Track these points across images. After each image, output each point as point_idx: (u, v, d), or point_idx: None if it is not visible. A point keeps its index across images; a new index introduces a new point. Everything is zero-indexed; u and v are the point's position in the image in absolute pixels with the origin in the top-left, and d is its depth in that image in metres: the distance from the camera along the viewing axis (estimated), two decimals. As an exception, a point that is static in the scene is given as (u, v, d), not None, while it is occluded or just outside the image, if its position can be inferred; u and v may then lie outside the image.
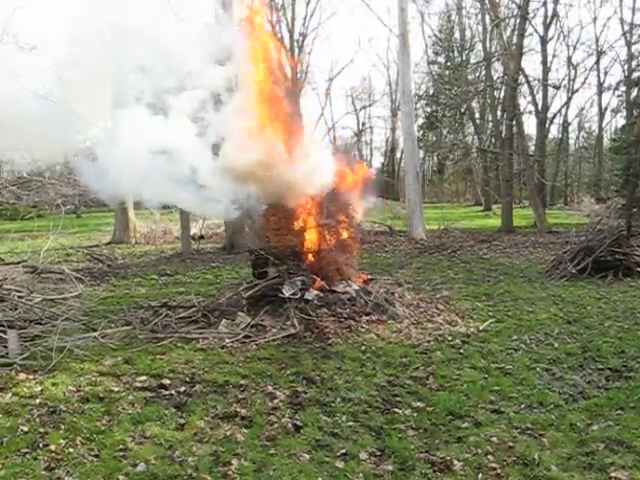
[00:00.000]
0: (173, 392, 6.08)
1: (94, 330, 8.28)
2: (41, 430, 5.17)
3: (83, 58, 8.56)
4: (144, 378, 6.47)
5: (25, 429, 5.18)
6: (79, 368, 6.77)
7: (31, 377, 6.49)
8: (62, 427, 5.22)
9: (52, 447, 4.85)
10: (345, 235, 9.91)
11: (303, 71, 45.60)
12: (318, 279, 9.26)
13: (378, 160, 65.54)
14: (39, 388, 6.16)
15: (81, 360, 7.05)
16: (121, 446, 4.88)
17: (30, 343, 7.56)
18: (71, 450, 4.81)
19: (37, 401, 5.81)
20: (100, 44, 8.36)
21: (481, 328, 8.67)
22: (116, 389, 6.17)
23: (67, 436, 5.05)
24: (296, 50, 42.77)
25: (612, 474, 4.51)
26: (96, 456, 4.74)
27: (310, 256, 9.54)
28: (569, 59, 41.67)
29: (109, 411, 5.59)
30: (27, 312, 8.68)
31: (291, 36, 42.52)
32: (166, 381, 6.33)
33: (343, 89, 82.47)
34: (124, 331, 8.41)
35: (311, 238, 9.63)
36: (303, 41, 43.95)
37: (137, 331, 8.39)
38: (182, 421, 5.41)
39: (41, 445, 4.89)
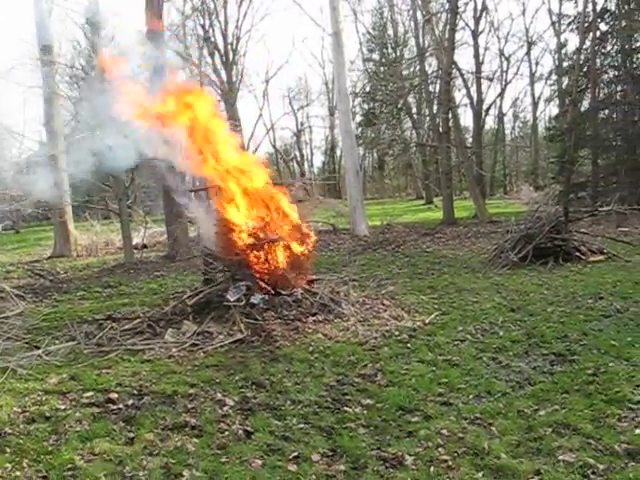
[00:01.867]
0: (121, 406, 5.98)
1: (37, 348, 8.11)
2: (-14, 455, 5.04)
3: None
4: (91, 394, 6.35)
5: (-31, 455, 5.06)
6: (23, 388, 6.60)
7: (-27, 401, 6.34)
8: (8, 450, 5.09)
9: (-2, 471, 4.74)
10: (298, 251, 9.87)
11: (239, 73, 45.37)
12: (262, 283, 9.23)
13: (319, 159, 65.79)
14: (-18, 412, 6.02)
15: (25, 380, 6.89)
16: (70, 465, 4.78)
17: (-29, 366, 7.38)
18: (18, 473, 4.69)
19: (-19, 425, 5.68)
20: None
21: (427, 321, 8.75)
22: (62, 407, 6.04)
23: (13, 459, 4.92)
24: (230, 53, 42.53)
25: (560, 457, 4.60)
26: (44, 477, 4.63)
27: (256, 269, 9.48)
28: (501, 51, 42.61)
29: (56, 430, 5.47)
30: (-33, 334, 8.49)
31: (225, 39, 42.29)
32: (113, 395, 6.22)
33: (280, 90, 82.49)
34: (69, 347, 8.25)
35: (258, 255, 9.55)
36: (237, 44, 43.72)
37: (82, 346, 8.24)
38: (131, 435, 5.32)
39: (-14, 470, 4.78)
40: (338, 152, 56.29)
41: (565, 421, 5.19)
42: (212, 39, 42.12)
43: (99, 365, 7.37)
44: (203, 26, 41.30)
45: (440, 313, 9.23)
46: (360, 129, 51.62)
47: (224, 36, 42.27)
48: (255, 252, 9.43)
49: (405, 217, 28.91)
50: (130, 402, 6.07)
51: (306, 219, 10.97)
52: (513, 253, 13.24)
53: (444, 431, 5.15)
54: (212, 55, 42.88)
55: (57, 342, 8.58)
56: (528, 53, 43.38)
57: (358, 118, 51.22)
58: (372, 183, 59.99)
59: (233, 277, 9.30)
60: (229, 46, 42.57)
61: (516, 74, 43.50)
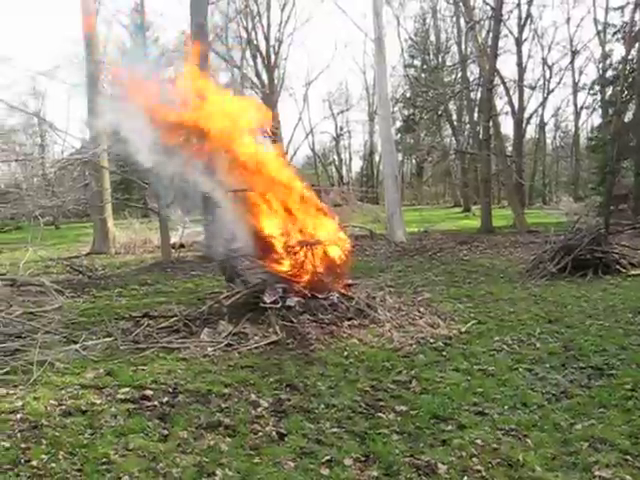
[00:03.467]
0: (156, 403, 6.03)
1: (75, 342, 8.21)
2: (23, 446, 5.10)
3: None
4: (126, 390, 6.42)
5: (6, 445, 5.11)
6: (60, 381, 6.70)
7: (12, 392, 6.43)
8: (44, 442, 5.16)
9: (34, 462, 4.79)
10: (335, 255, 9.88)
11: (280, 77, 45.60)
12: (299, 286, 9.25)
13: (357, 164, 65.75)
14: (20, 403, 6.09)
15: (62, 373, 6.99)
16: (104, 459, 4.83)
17: (10, 357, 7.48)
18: (53, 465, 4.75)
19: (18, 416, 5.74)
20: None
21: (463, 330, 8.69)
22: (98, 402, 6.11)
23: (49, 451, 4.99)
24: (272, 56, 42.76)
25: (596, 473, 4.52)
26: (79, 470, 4.69)
27: (293, 271, 9.50)
28: (544, 59, 42.13)
29: (91, 424, 5.53)
30: (6, 326, 8.59)
31: (267, 42, 42.56)
32: (149, 392, 6.28)
33: (320, 94, 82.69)
34: (105, 343, 8.34)
35: (295, 257, 9.58)
36: (279, 47, 43.96)
37: (119, 342, 8.32)
38: (165, 432, 5.37)
39: (23, 461, 4.83)
40: (376, 157, 56.26)
41: (602, 436, 5.11)
42: (255, 42, 42.42)
43: (135, 362, 7.45)
44: (246, 29, 41.60)
45: (476, 322, 9.15)
46: (399, 135, 51.52)
47: (266, 39, 42.60)
48: (292, 255, 9.46)
49: (442, 224, 28.72)
50: (165, 399, 6.12)
51: (344, 224, 10.96)
52: (552, 264, 13.08)
53: (478, 441, 5.09)
54: (254, 58, 43.20)
55: (94, 337, 8.67)
56: (572, 62, 42.93)
57: (398, 124, 51.13)
58: (410, 189, 59.73)
59: (270, 279, 9.33)
60: (271, 49, 42.84)
61: (559, 83, 42.91)
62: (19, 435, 5.33)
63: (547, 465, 4.67)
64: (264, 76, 43.11)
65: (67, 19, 46.47)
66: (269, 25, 42.69)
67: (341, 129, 59.52)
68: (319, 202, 10.29)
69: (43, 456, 4.90)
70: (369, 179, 57.41)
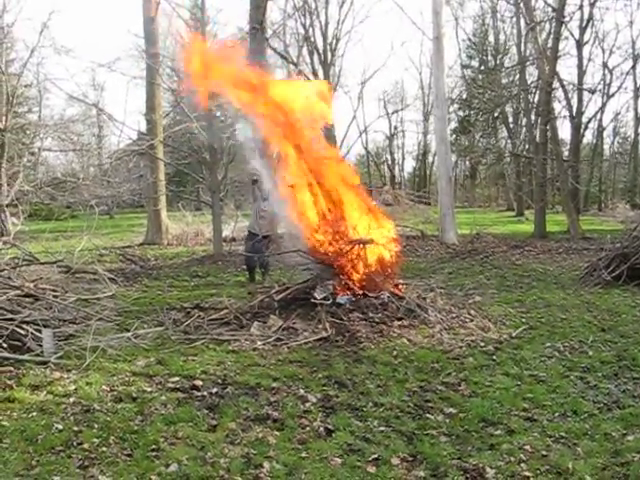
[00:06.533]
0: (205, 393, 6.11)
1: (127, 330, 8.36)
2: (75, 429, 5.22)
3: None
4: (176, 379, 6.52)
5: (59, 427, 5.24)
6: (112, 368, 6.84)
7: (65, 376, 6.58)
8: (96, 426, 5.27)
9: (86, 446, 4.90)
10: (387, 254, 9.87)
11: (336, 74, 45.58)
12: (350, 283, 9.25)
13: (410, 164, 65.37)
14: (73, 387, 6.24)
15: (114, 360, 7.13)
16: (154, 446, 4.92)
17: (64, 342, 7.64)
18: (104, 449, 4.85)
19: (71, 400, 5.88)
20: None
21: (514, 334, 8.58)
22: (149, 389, 6.22)
23: (100, 435, 5.09)
24: (329, 53, 42.79)
25: (648, 485, 4.44)
26: (129, 455, 4.78)
27: (345, 269, 9.51)
28: (605, 63, 41.22)
29: (142, 411, 5.63)
30: (61, 311, 8.76)
31: (324, 40, 42.59)
32: (198, 382, 6.36)
33: (375, 92, 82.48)
34: (157, 332, 8.47)
35: (348, 255, 9.58)
36: (336, 44, 43.94)
37: (169, 332, 8.45)
38: (214, 422, 5.43)
39: (75, 443, 4.94)
40: (430, 158, 55.92)
41: (655, 449, 5.00)
42: (312, 39, 42.48)
43: (185, 352, 7.55)
44: (304, 25, 41.65)
45: (527, 327, 9.03)
46: (454, 136, 51.11)
47: (324, 36, 42.61)
48: (345, 252, 9.45)
49: (495, 228, 28.28)
50: (214, 390, 6.19)
51: (395, 223, 10.92)
52: (606, 272, 12.81)
53: (527, 447, 5.03)
54: (311, 54, 43.24)
55: (146, 326, 8.82)
56: (634, 66, 41.87)
57: (453, 125, 50.71)
58: (463, 191, 59.15)
59: (321, 275, 9.36)
60: (328, 46, 42.85)
61: (620, 87, 41.91)
62: (72, 418, 5.46)
63: (597, 475, 4.59)
64: (320, 73, 43.16)
65: (128, 12, 47.21)
66: (327, 22, 42.76)
67: (395, 128, 59.26)
68: (372, 201, 10.29)
69: (94, 440, 5.01)
70: (422, 179, 57.10)
